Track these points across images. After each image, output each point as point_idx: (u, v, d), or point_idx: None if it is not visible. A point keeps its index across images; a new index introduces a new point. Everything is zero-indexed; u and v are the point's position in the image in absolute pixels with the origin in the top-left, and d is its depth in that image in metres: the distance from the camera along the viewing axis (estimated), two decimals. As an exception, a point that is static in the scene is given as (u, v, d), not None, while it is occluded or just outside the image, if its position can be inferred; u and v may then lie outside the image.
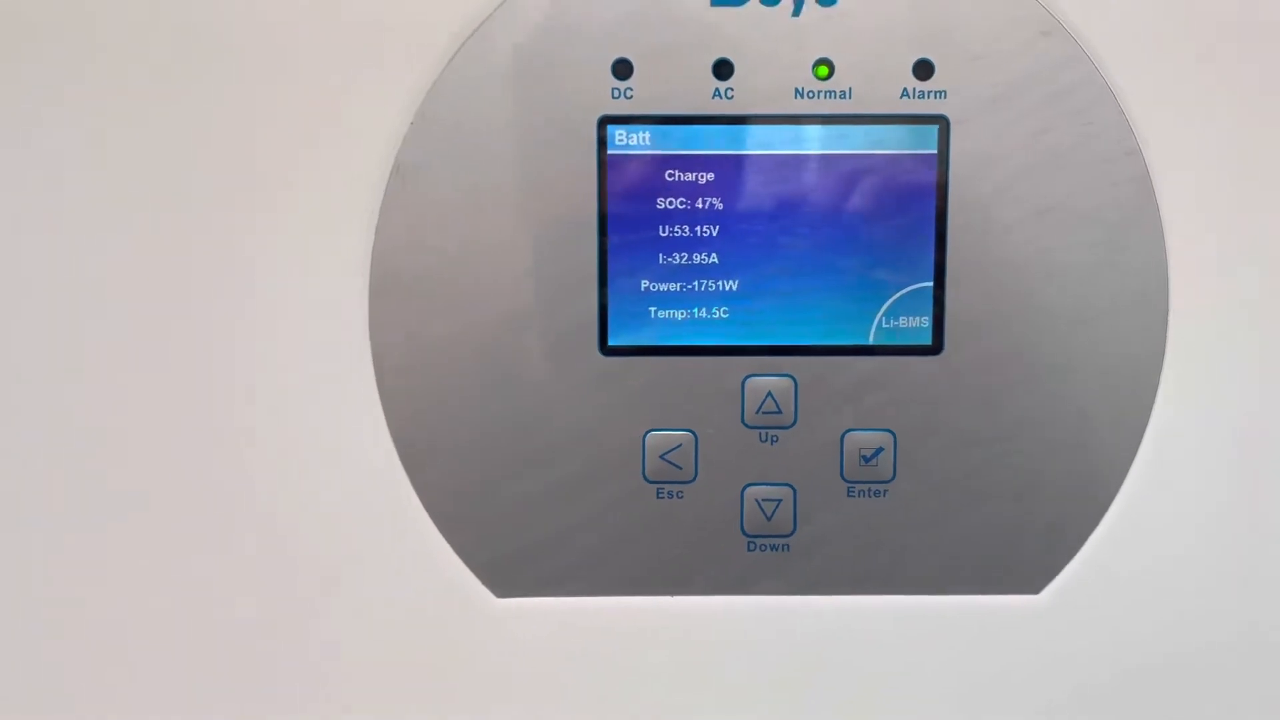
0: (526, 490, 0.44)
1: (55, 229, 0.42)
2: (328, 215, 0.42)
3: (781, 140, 0.43)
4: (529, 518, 0.44)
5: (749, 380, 0.44)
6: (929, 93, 0.42)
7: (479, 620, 0.45)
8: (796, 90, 0.42)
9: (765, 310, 0.43)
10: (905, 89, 0.42)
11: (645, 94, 0.42)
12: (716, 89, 0.42)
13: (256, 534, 0.44)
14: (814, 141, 0.43)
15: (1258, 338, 0.43)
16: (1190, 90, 0.42)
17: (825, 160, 0.43)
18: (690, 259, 0.43)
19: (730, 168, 0.43)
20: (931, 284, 0.43)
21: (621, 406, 0.44)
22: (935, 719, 0.46)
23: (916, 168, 0.43)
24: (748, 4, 0.42)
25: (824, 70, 0.42)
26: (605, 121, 0.42)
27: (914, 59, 0.42)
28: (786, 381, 0.44)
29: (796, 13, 0.42)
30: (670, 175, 0.43)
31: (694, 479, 0.44)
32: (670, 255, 0.43)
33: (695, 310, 0.43)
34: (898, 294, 0.43)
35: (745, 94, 0.42)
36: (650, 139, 0.43)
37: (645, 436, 0.44)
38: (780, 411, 0.44)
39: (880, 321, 0.44)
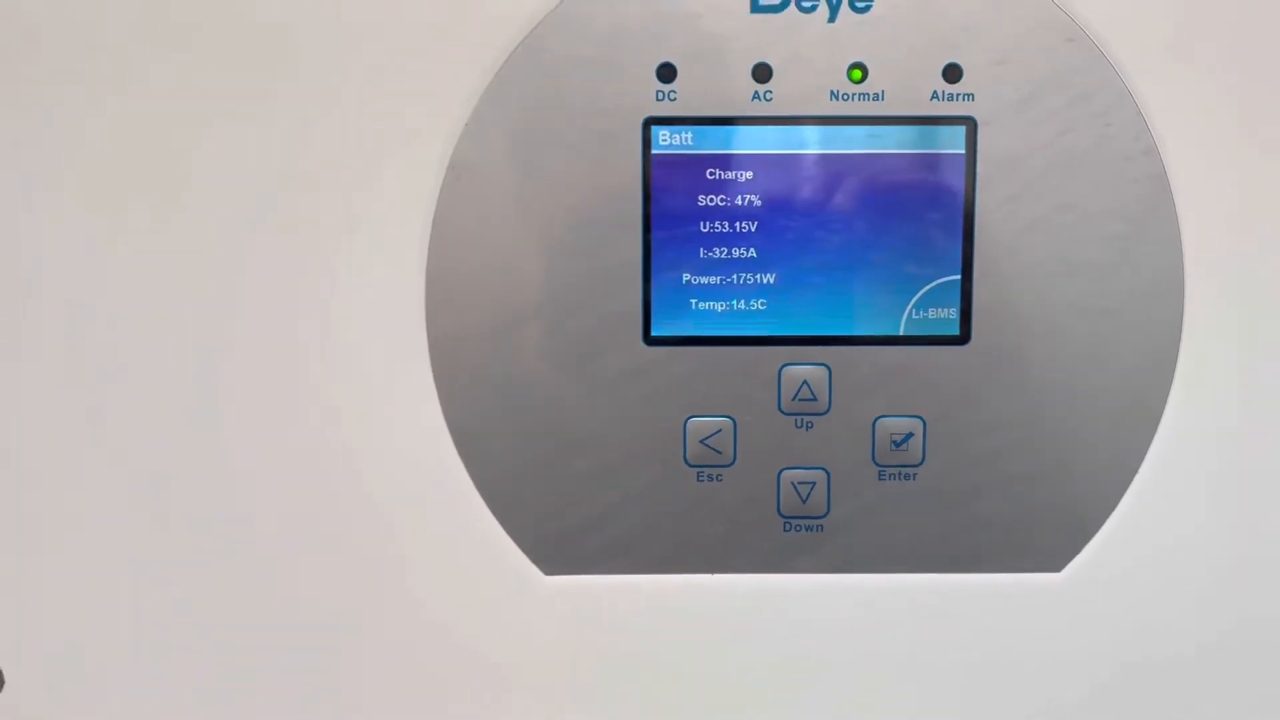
0: (573, 473, 0.46)
1: (124, 229, 0.45)
2: (387, 211, 0.44)
3: (817, 140, 0.45)
4: (576, 499, 0.46)
5: (785, 369, 0.46)
6: (957, 95, 0.44)
7: (528, 597, 0.46)
8: (832, 93, 0.44)
9: (801, 302, 0.45)
10: (935, 92, 0.44)
11: (688, 96, 0.44)
12: (756, 91, 0.44)
13: (318, 515, 0.46)
14: (848, 142, 0.44)
15: (1270, 327, 0.45)
16: (1205, 93, 0.44)
17: (859, 159, 0.45)
18: (730, 253, 0.45)
19: (769, 167, 0.45)
20: (959, 277, 0.45)
21: (663, 394, 0.46)
22: (960, 692, 0.48)
23: (945, 167, 0.45)
24: (786, 10, 0.44)
25: (858, 74, 0.44)
26: (650, 122, 0.44)
27: (943, 63, 0.44)
28: (821, 370, 0.46)
29: (832, 18, 0.44)
30: (711, 174, 0.45)
31: (733, 463, 0.46)
32: (710, 250, 0.45)
33: (734, 302, 0.45)
34: (927, 287, 0.45)
35: (783, 96, 0.44)
36: (692, 139, 0.45)
37: (686, 422, 0.46)
38: (815, 398, 0.46)
39: (910, 313, 0.45)
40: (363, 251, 0.44)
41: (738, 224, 0.45)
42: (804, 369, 0.46)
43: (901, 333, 0.45)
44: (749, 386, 0.46)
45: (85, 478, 0.46)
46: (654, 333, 0.45)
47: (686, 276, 0.45)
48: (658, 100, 0.44)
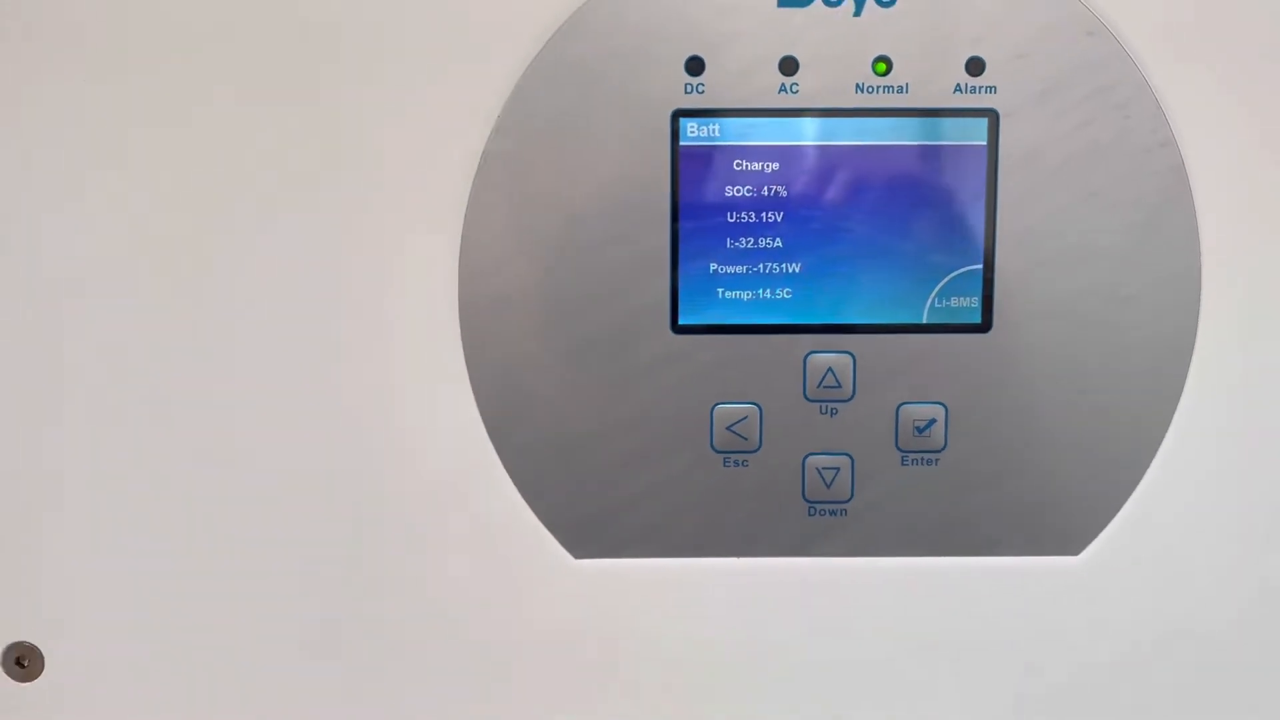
0: (602, 458, 0.47)
1: (168, 203, 0.45)
2: (422, 201, 0.45)
3: (842, 132, 0.45)
4: (605, 484, 0.47)
5: (810, 356, 0.47)
6: (980, 88, 0.45)
7: (558, 579, 0.47)
8: (857, 85, 0.45)
9: (826, 291, 0.46)
10: (958, 84, 0.45)
11: (716, 89, 0.45)
12: (782, 84, 0.45)
13: (353, 500, 0.47)
14: (873, 133, 0.45)
15: None
16: (1222, 87, 0.45)
17: (883, 151, 0.45)
18: (756, 243, 0.46)
19: (794, 158, 0.46)
20: (981, 266, 0.46)
21: (691, 381, 0.47)
22: (980, 672, 0.49)
23: (967, 158, 0.46)
24: (812, 4, 0.45)
25: (882, 67, 0.45)
26: (679, 115, 0.45)
27: (966, 56, 0.45)
28: (845, 358, 0.47)
29: (858, 13, 0.45)
30: (738, 165, 0.46)
31: (758, 449, 0.47)
32: (737, 240, 0.46)
33: (760, 291, 0.46)
34: (949, 276, 0.46)
35: (809, 89, 0.45)
36: (720, 131, 0.45)
37: (713, 409, 0.47)
38: (839, 385, 0.47)
39: (933, 301, 0.46)
40: (398, 241, 0.45)
41: (764, 214, 0.46)
42: (829, 356, 0.47)
43: (924, 321, 0.46)
44: (775, 374, 0.47)
45: (122, 459, 0.47)
46: (682, 321, 0.46)
47: (714, 266, 0.46)
48: (686, 93, 0.45)
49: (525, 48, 0.45)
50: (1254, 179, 0.46)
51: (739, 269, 0.46)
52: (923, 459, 0.47)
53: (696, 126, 0.45)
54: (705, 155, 0.45)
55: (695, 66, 0.45)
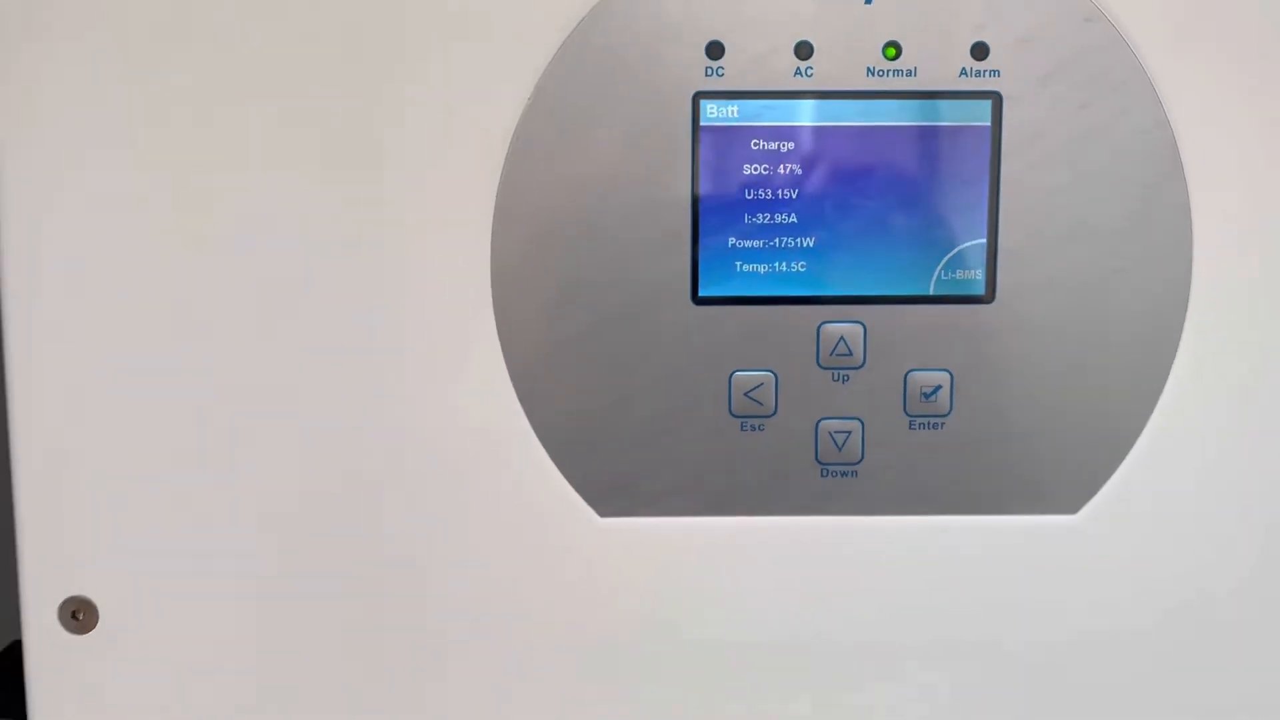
0: (627, 423, 0.49)
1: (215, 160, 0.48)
2: (454, 179, 0.48)
3: (854, 113, 0.48)
4: (629, 447, 0.50)
5: (823, 326, 0.49)
6: (984, 71, 0.48)
7: (584, 537, 0.50)
8: (868, 69, 0.48)
9: (838, 264, 0.49)
10: (963, 68, 0.47)
11: (735, 72, 0.47)
12: (798, 68, 0.48)
13: (385, 460, 0.49)
14: (883, 115, 0.48)
15: (1274, 275, 0.49)
16: (1215, 71, 0.47)
17: (892, 131, 0.48)
18: (772, 219, 0.49)
19: (809, 138, 0.48)
20: (985, 240, 0.48)
21: (710, 350, 0.49)
22: (982, 625, 0.51)
23: (972, 138, 0.48)
24: (826, -8, 0.47)
25: (892, 51, 0.48)
26: (699, 97, 0.48)
27: (971, 41, 0.47)
28: (857, 327, 0.49)
29: (869, 0, 0.47)
30: (755, 144, 0.48)
31: (774, 413, 0.50)
32: (754, 215, 0.48)
33: (776, 264, 0.49)
34: (955, 249, 0.49)
35: (823, 72, 0.47)
36: (738, 112, 0.48)
37: (731, 376, 0.49)
38: (851, 354, 0.49)
39: (939, 274, 0.49)
40: (432, 214, 0.48)
41: (780, 191, 0.48)
42: (841, 326, 0.49)
43: (931, 292, 0.49)
44: (790, 343, 0.49)
45: (172, 412, 0.49)
46: (701, 293, 0.49)
47: (732, 240, 0.49)
48: (706, 76, 0.47)
49: (554, 34, 0.47)
50: (1245, 159, 0.48)
51: (756, 243, 0.49)
52: (929, 423, 0.50)
53: (716, 108, 0.48)
54: (724, 135, 0.48)
55: (715, 51, 0.47)
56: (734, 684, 0.51)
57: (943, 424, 0.50)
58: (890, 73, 0.48)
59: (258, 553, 0.50)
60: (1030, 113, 0.48)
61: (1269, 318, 0.49)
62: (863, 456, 0.50)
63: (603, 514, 0.50)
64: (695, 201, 0.48)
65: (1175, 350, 0.49)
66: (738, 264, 0.49)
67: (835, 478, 0.50)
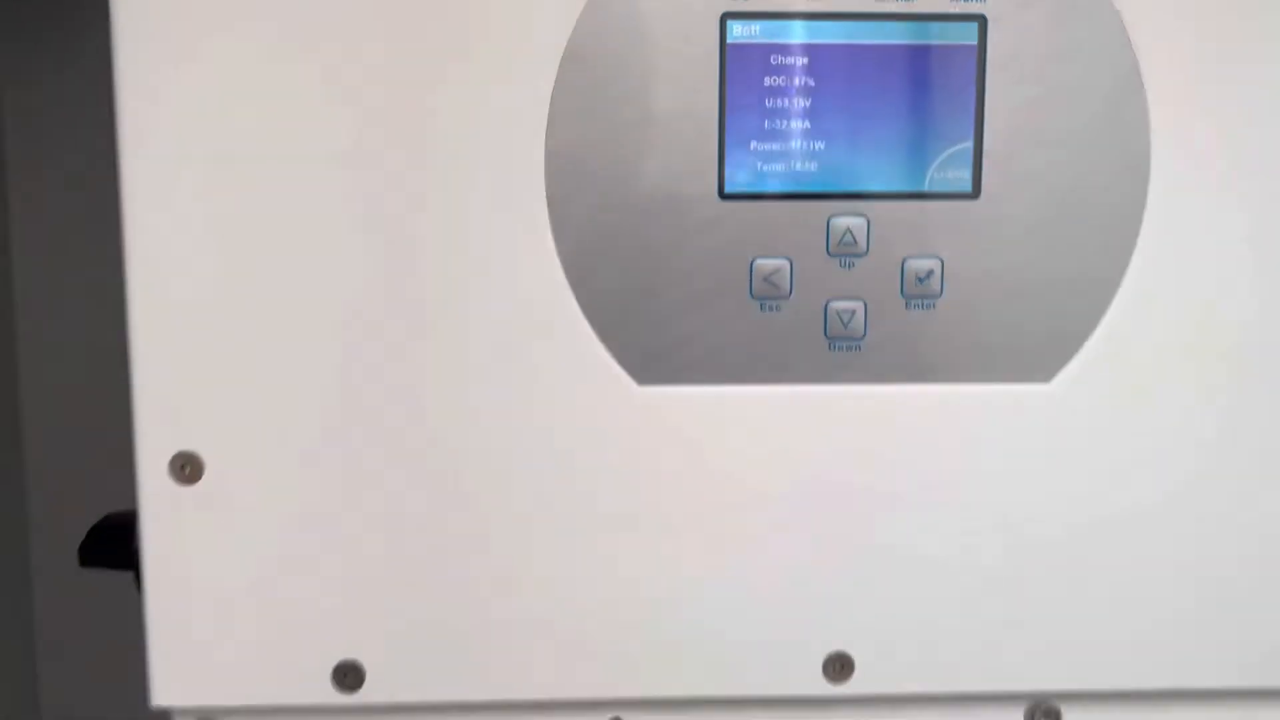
0: (662, 302, 0.56)
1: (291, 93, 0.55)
2: (509, 94, 0.54)
3: (859, 33, 0.54)
4: (664, 323, 0.56)
5: (832, 219, 0.56)
6: (971, -3, 0.55)
7: (624, 402, 0.56)
8: (873, -7, 0.54)
9: (845, 165, 0.55)
10: (953, -7, 0.54)
11: (757, -5, 0.54)
12: (812, -8, 0.54)
13: (435, 337, 0.55)
14: (884, 34, 0.54)
15: (1221, 171, 0.55)
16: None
17: (892, 49, 0.54)
18: (788, 125, 0.55)
19: (821, 54, 0.54)
20: (971, 144, 0.55)
21: (734, 239, 0.55)
22: (966, 481, 0.58)
23: (961, 56, 0.55)
24: (836, -75, 0.54)
25: (892, -23, 0.55)
26: (726, 17, 0.54)
27: (960, -30, 0.54)
28: (861, 220, 0.56)
29: (873, -67, 0.54)
30: (775, 59, 0.55)
31: (789, 295, 0.56)
32: (773, 122, 0.55)
33: (791, 164, 0.55)
34: (946, 152, 0.55)
35: (833, -4, 0.54)
36: (760, 31, 0.55)
37: (752, 263, 0.56)
38: (856, 243, 0.56)
39: (932, 173, 0.55)
40: (495, 121, 0.54)
41: (795, 101, 0.55)
42: (847, 219, 0.56)
43: (925, 190, 0.55)
44: (803, 234, 0.55)
45: (273, 283, 0.55)
46: (727, 190, 0.55)
47: (754, 144, 0.55)
48: (733, -2, 0.54)
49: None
50: (1197, 75, 0.55)
51: (774, 146, 0.55)
52: (923, 304, 0.56)
53: (741, 27, 0.54)
54: (748, 52, 0.55)
55: (741, -24, 0.54)
56: (750, 527, 0.58)
57: (935, 305, 0.56)
58: (891, -3, 0.54)
59: (340, 427, 0.56)
60: (1011, 33, 0.54)
61: (1218, 207, 0.56)
62: (866, 333, 0.56)
63: (640, 382, 0.56)
64: (723, 110, 0.54)
65: (1137, 233, 0.55)
66: (759, 165, 0.55)
67: (842, 351, 0.56)
